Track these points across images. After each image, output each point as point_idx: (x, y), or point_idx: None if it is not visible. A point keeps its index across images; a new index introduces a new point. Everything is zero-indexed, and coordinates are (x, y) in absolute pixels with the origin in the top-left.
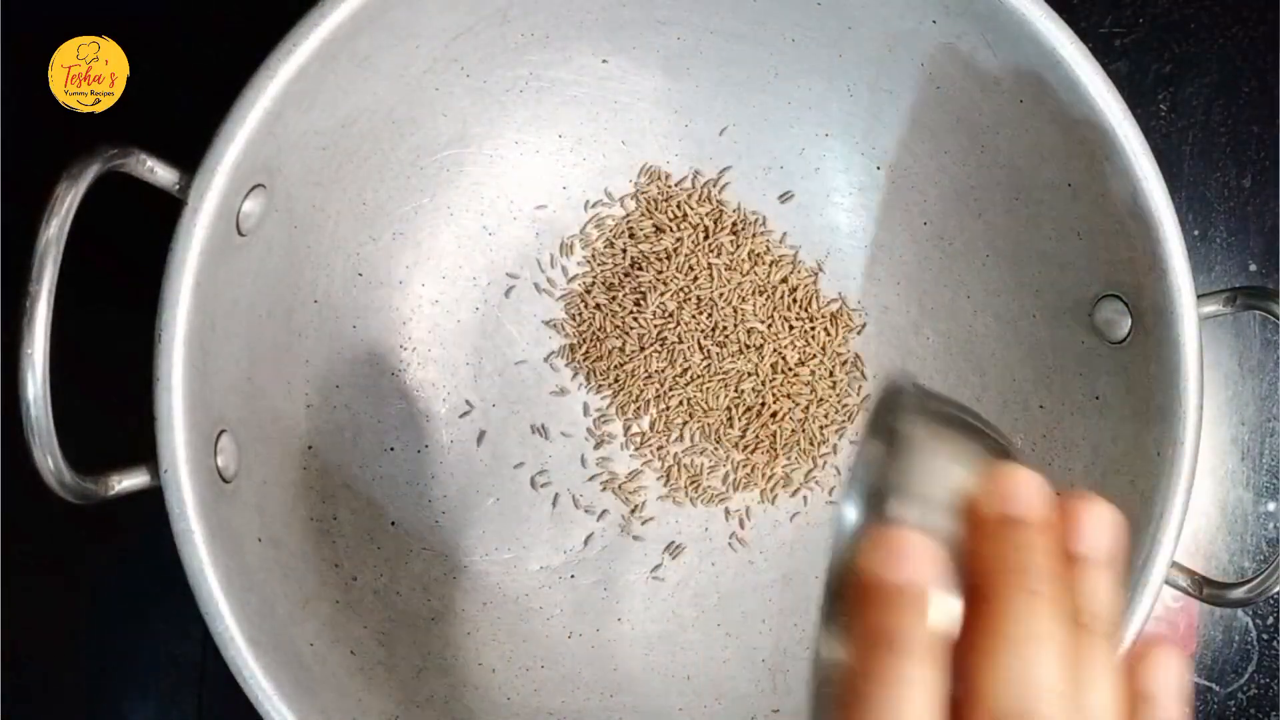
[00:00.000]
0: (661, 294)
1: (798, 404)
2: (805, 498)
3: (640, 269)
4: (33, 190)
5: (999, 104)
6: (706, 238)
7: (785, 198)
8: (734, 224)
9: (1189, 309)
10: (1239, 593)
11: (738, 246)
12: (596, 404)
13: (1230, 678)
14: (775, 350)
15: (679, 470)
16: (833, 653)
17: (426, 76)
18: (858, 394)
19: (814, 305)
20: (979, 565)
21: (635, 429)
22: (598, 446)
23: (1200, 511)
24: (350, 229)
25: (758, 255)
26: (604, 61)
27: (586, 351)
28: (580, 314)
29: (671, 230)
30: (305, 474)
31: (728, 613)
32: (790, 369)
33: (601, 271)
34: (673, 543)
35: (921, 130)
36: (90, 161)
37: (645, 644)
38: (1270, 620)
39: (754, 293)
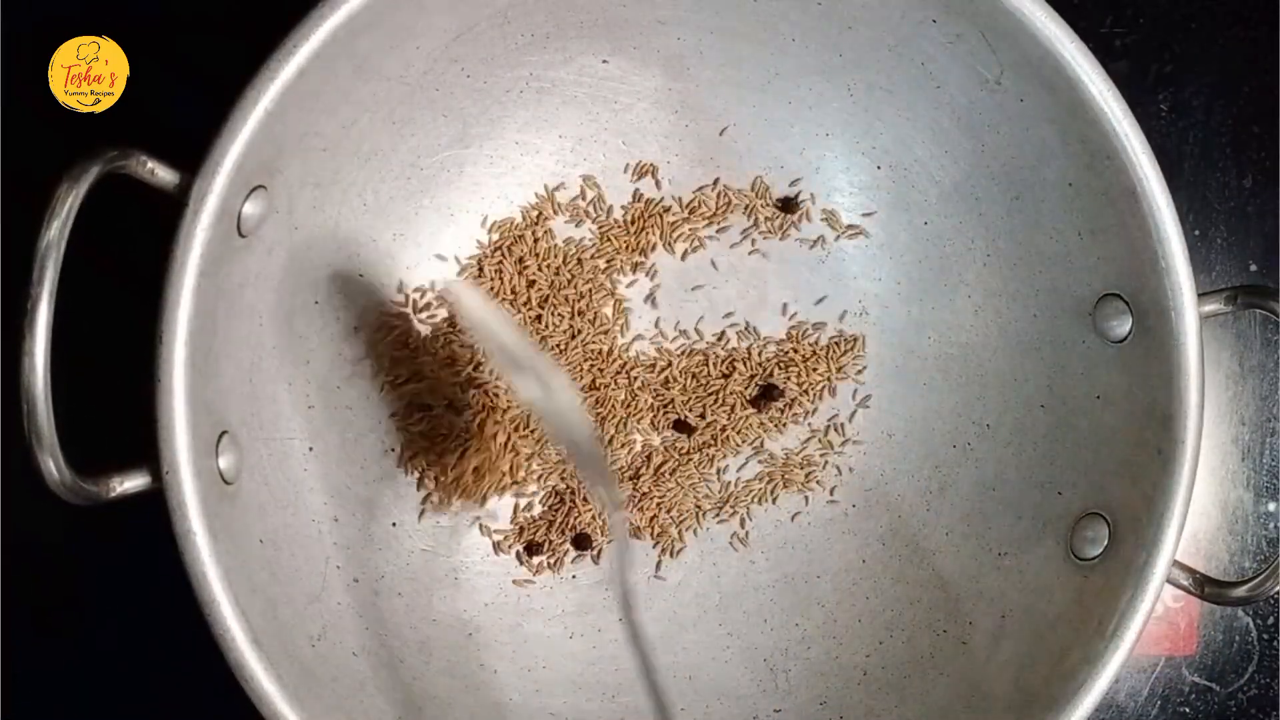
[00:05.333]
0: None
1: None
2: (806, 497)
3: None
4: (33, 191)
5: (999, 104)
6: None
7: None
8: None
9: (1190, 308)
10: (1240, 592)
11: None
12: None
13: (1230, 678)
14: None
15: None
16: None
17: (427, 77)
18: (854, 397)
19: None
20: None
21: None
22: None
23: (1201, 511)
24: (350, 230)
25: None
26: (604, 62)
27: None
28: None
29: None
30: (306, 475)
31: (729, 613)
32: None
33: None
34: (674, 542)
35: (921, 130)
36: (91, 163)
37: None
38: (1270, 620)
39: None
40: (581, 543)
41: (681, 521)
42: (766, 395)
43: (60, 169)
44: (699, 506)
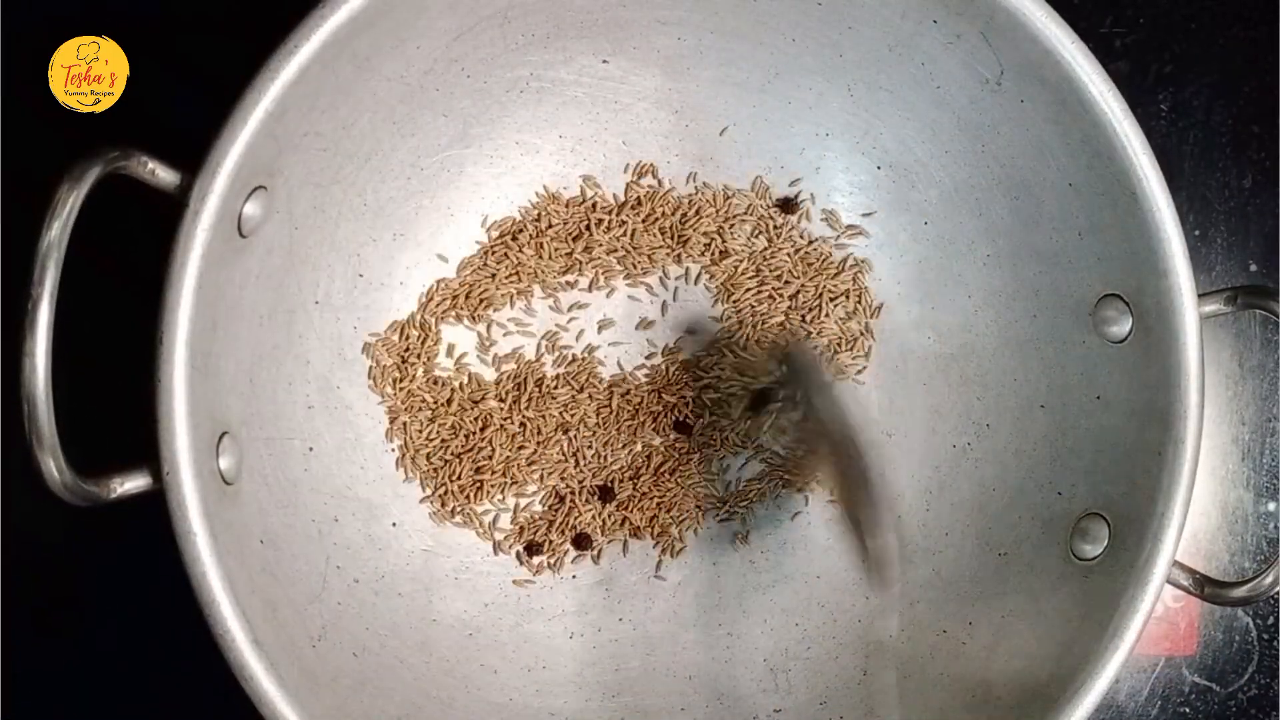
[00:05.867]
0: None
1: None
2: (807, 497)
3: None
4: (34, 191)
5: (999, 104)
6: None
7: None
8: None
9: (1190, 308)
10: (1240, 592)
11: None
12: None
13: (1230, 678)
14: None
15: None
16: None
17: (427, 77)
18: (854, 397)
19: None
20: None
21: None
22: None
23: (1201, 511)
24: (351, 230)
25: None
26: (604, 61)
27: None
28: None
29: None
30: (307, 475)
31: (729, 613)
32: None
33: None
34: (674, 542)
35: (921, 130)
36: (91, 163)
37: (647, 644)
38: (1270, 620)
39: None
40: (581, 543)
41: (681, 521)
42: (762, 399)
43: (60, 169)
44: (699, 507)
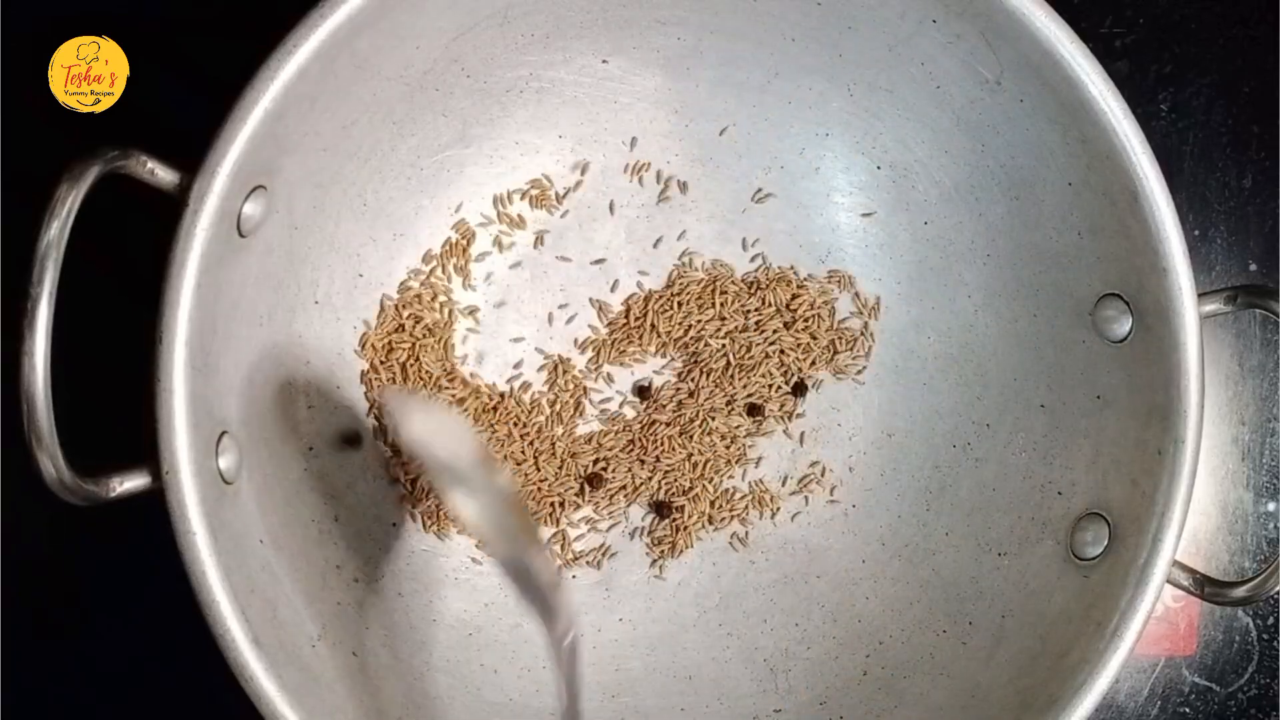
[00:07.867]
0: None
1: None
2: (806, 498)
3: None
4: (33, 190)
5: (999, 104)
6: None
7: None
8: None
9: (1190, 308)
10: (1240, 592)
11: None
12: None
13: (1230, 678)
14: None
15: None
16: None
17: (427, 77)
18: (854, 398)
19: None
20: None
21: None
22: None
23: (1201, 511)
24: (350, 230)
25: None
26: (604, 61)
27: None
28: None
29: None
30: (306, 475)
31: (729, 613)
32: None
33: None
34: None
35: (921, 130)
36: (91, 163)
37: (647, 644)
38: (1270, 620)
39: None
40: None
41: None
42: (756, 410)
43: (60, 169)
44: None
